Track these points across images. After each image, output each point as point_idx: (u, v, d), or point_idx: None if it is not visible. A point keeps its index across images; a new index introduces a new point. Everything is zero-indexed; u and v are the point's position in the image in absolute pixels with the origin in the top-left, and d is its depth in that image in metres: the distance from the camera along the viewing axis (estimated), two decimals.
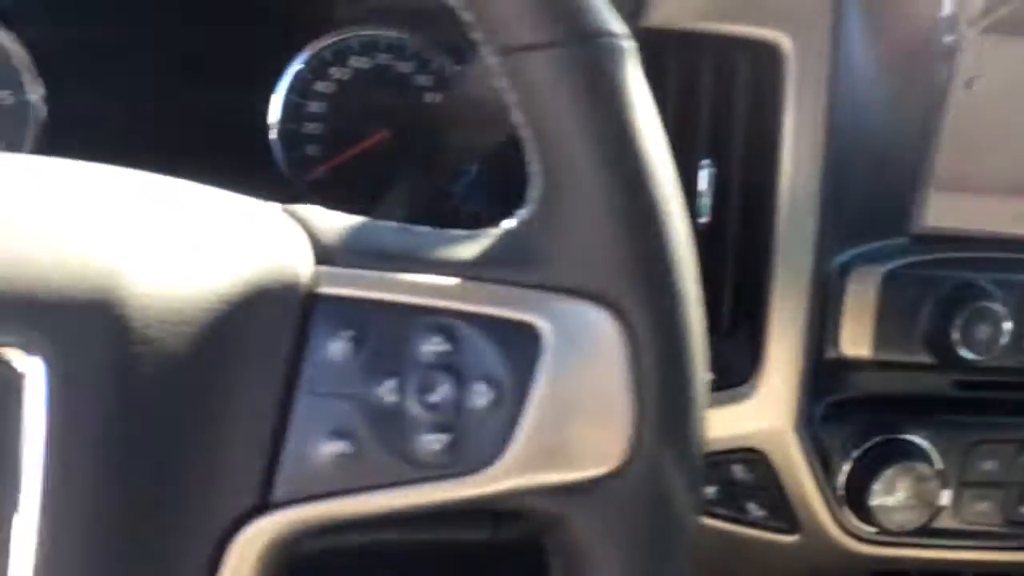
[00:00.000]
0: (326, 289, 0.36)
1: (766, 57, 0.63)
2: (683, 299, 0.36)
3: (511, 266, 0.37)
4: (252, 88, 0.77)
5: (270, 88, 0.77)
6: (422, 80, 0.78)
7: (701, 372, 0.37)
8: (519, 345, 0.36)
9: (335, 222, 0.38)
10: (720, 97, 0.65)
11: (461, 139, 0.65)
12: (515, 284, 0.37)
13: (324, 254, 0.37)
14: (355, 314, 0.36)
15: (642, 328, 0.36)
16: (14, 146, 0.74)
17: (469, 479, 0.37)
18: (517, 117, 0.36)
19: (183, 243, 0.35)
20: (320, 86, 0.78)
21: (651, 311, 0.36)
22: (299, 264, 0.36)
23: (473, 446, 0.36)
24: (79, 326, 0.33)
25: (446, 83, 0.77)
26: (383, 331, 0.36)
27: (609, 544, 0.38)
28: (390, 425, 0.36)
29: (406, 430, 0.36)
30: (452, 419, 0.36)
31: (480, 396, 0.36)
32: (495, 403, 0.36)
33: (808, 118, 0.61)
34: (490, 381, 0.36)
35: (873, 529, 0.70)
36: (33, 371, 0.32)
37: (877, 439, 0.68)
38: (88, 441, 0.33)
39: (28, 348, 0.32)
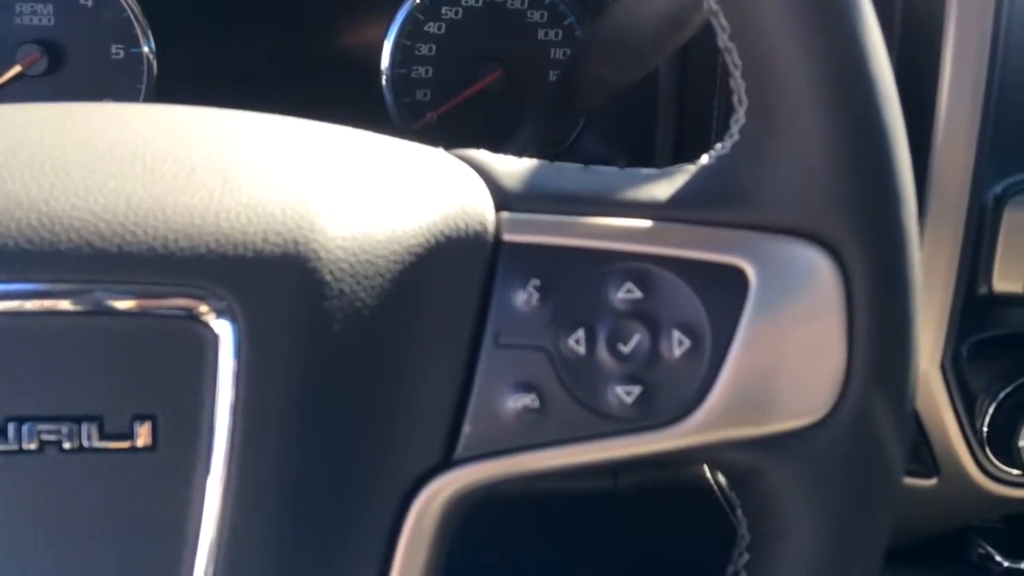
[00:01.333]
0: (510, 236, 0.34)
1: None
2: (904, 238, 0.34)
3: (713, 205, 0.35)
4: (363, 33, 0.76)
5: (381, 32, 0.75)
6: (536, 16, 0.75)
7: (917, 317, 0.35)
8: (721, 290, 0.34)
9: (512, 166, 0.36)
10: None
11: (594, 81, 0.62)
12: (718, 224, 0.34)
13: (505, 200, 0.35)
14: (541, 262, 0.34)
15: (859, 269, 0.34)
16: (126, 100, 0.73)
17: (661, 433, 0.35)
18: (725, 43, 0.34)
19: (369, 192, 0.34)
20: (431, 27, 0.76)
21: (871, 251, 0.33)
22: (483, 211, 0.34)
23: (667, 398, 0.35)
24: (273, 283, 0.31)
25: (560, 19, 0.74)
26: (571, 279, 0.34)
27: (807, 500, 0.36)
28: (578, 377, 0.34)
29: (595, 382, 0.34)
30: (645, 370, 0.34)
31: (676, 345, 0.34)
32: (692, 352, 0.34)
33: (971, 43, 0.57)
34: (687, 329, 0.34)
35: (1017, 471, 0.67)
36: (226, 331, 0.31)
37: None
38: (278, 399, 0.32)
39: (221, 307, 0.31)
